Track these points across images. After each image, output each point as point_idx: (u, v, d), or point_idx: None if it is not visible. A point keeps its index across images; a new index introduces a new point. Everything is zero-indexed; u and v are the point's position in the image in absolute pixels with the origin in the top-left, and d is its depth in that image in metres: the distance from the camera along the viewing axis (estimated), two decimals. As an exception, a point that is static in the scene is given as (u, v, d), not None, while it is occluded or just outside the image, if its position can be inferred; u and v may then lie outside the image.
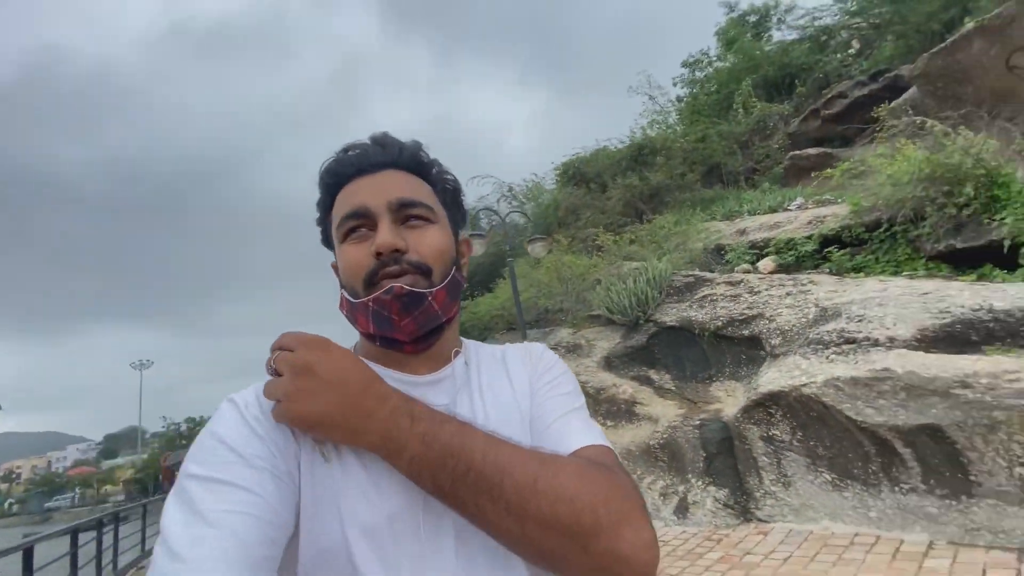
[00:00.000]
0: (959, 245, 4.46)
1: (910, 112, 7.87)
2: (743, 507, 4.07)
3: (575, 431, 0.59)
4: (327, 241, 0.65)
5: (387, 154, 0.61)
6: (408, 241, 0.57)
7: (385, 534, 0.50)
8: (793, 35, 12.58)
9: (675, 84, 13.74)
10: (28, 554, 4.51)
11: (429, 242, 0.58)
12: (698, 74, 13.67)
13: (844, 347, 3.75)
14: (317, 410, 0.47)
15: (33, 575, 4.50)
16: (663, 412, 5.51)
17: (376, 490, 0.51)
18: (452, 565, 0.52)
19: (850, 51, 11.34)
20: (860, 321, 3.85)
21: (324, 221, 0.64)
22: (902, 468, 3.22)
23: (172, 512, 0.45)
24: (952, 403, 2.86)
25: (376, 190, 0.58)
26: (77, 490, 59.75)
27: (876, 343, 3.55)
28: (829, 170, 6.61)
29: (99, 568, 6.61)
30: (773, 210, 8.48)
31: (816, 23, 11.60)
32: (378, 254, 0.55)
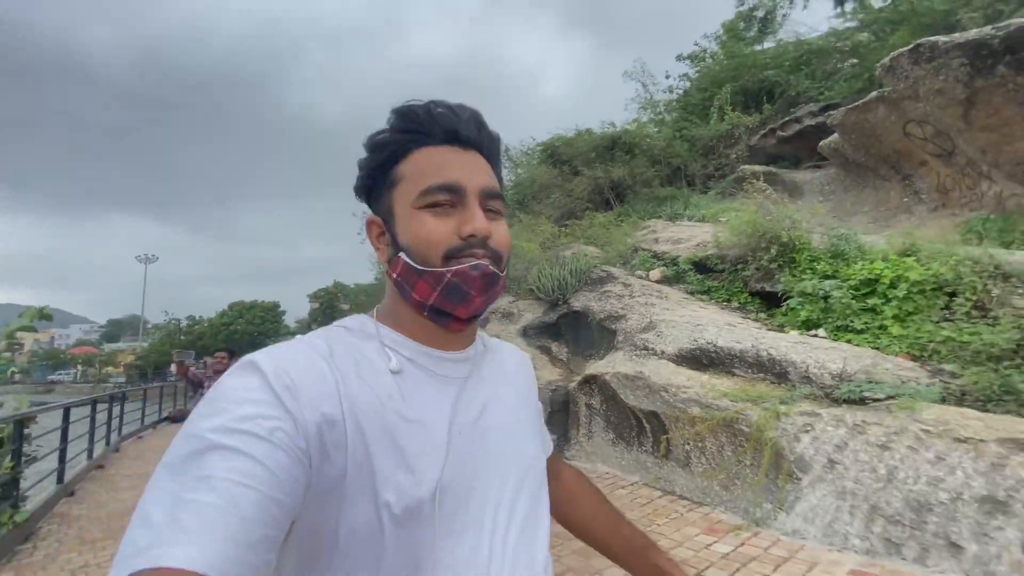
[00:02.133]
0: (767, 288, 6.06)
1: (834, 148, 9.20)
2: (560, 449, 5.95)
3: (548, 438, 0.82)
4: (369, 190, 0.64)
5: (478, 133, 0.62)
6: (491, 229, 0.60)
7: (420, 514, 0.52)
8: (787, 45, 13.34)
9: (667, 77, 14.64)
10: (66, 414, 6.43)
11: (505, 235, 0.62)
12: (691, 72, 14.51)
13: (640, 352, 5.47)
14: None
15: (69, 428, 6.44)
16: (546, 376, 7.32)
17: (409, 470, 0.53)
18: (486, 546, 0.57)
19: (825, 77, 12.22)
20: (659, 336, 5.55)
21: (382, 171, 0.61)
22: (644, 436, 5.02)
23: (176, 464, 0.43)
24: (662, 399, 4.61)
25: (470, 170, 0.60)
26: (79, 367, 64.04)
27: (654, 353, 5.27)
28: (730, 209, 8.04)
29: (108, 431, 8.79)
30: (705, 220, 9.93)
31: (802, 43, 12.39)
32: (471, 235, 0.57)
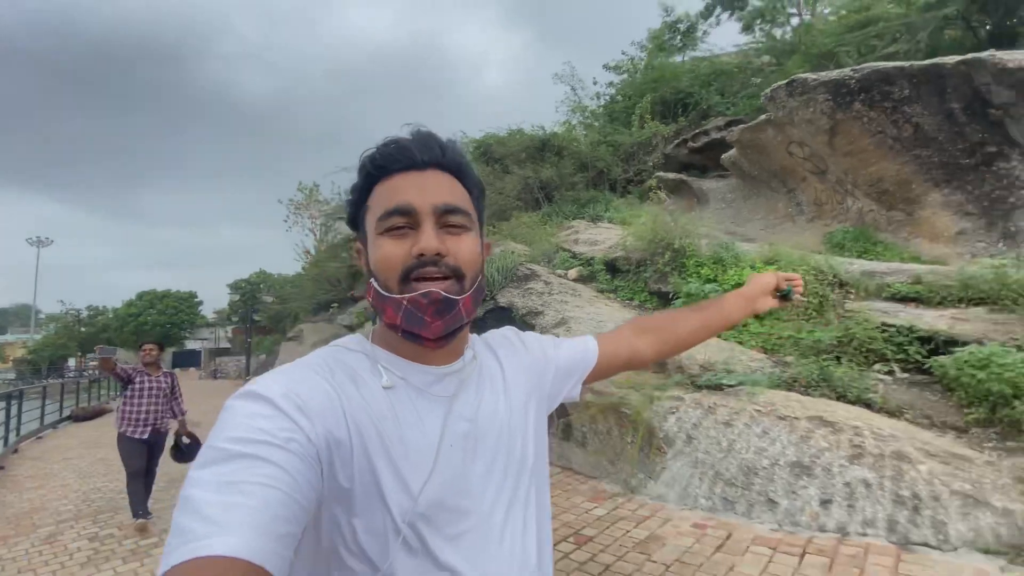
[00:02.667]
0: (662, 288, 6.84)
1: (733, 161, 10.19)
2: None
3: (588, 337, 0.92)
4: (354, 224, 0.69)
5: (432, 153, 0.64)
6: (447, 245, 0.62)
7: (419, 524, 0.58)
8: (701, 61, 14.48)
9: (595, 83, 15.44)
10: None
11: (466, 249, 0.63)
12: (616, 79, 15.38)
13: (550, 346, 6.08)
14: None
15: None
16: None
17: (406, 485, 0.58)
18: (482, 552, 0.61)
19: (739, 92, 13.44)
20: (568, 331, 6.16)
21: (357, 206, 0.67)
22: (552, 419, 5.62)
23: (202, 479, 0.46)
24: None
25: (422, 190, 0.62)
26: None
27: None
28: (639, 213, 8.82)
29: (7, 431, 8.33)
30: (624, 223, 10.70)
31: (714, 60, 13.50)
32: (420, 255, 0.60)
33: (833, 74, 6.71)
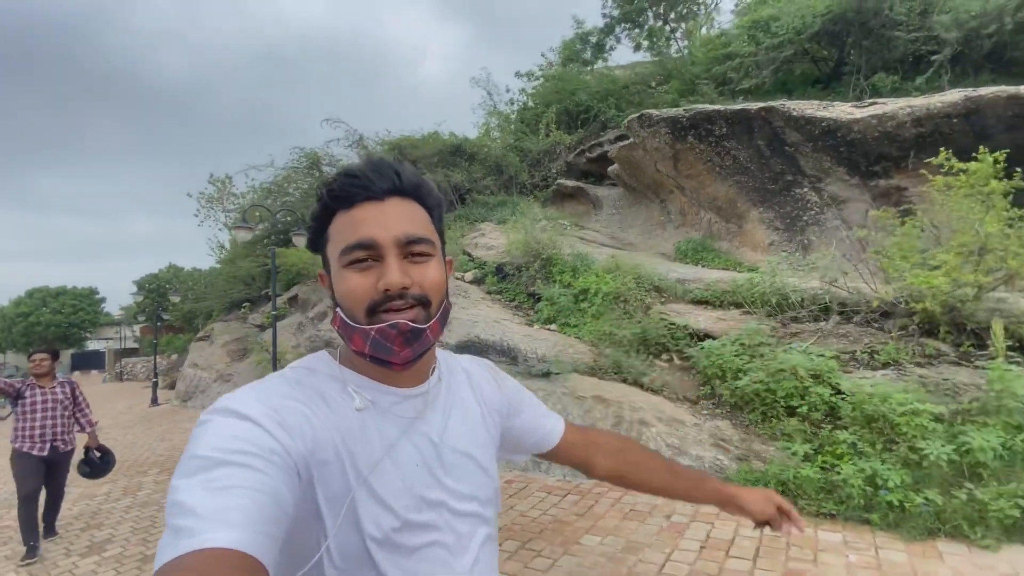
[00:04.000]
0: (536, 292, 8.04)
1: (616, 173, 11.54)
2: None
3: (557, 420, 0.94)
4: (315, 247, 0.72)
5: (389, 182, 0.66)
6: (412, 276, 0.64)
7: (395, 542, 0.61)
8: (602, 76, 15.90)
9: (508, 91, 16.55)
10: None
11: (431, 277, 0.66)
12: (528, 87, 16.56)
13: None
14: None
15: None
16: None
17: (382, 505, 0.62)
18: (458, 564, 0.67)
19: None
20: (449, 330, 7.23)
21: (318, 234, 0.70)
22: None
23: (190, 486, 0.49)
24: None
25: (383, 222, 0.64)
26: None
27: (443, 344, 6.95)
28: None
29: None
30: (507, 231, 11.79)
31: (609, 75, 14.94)
32: (386, 290, 0.62)
33: (671, 112, 8.17)
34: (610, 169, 11.88)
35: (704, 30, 13.95)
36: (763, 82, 11.04)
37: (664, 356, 5.50)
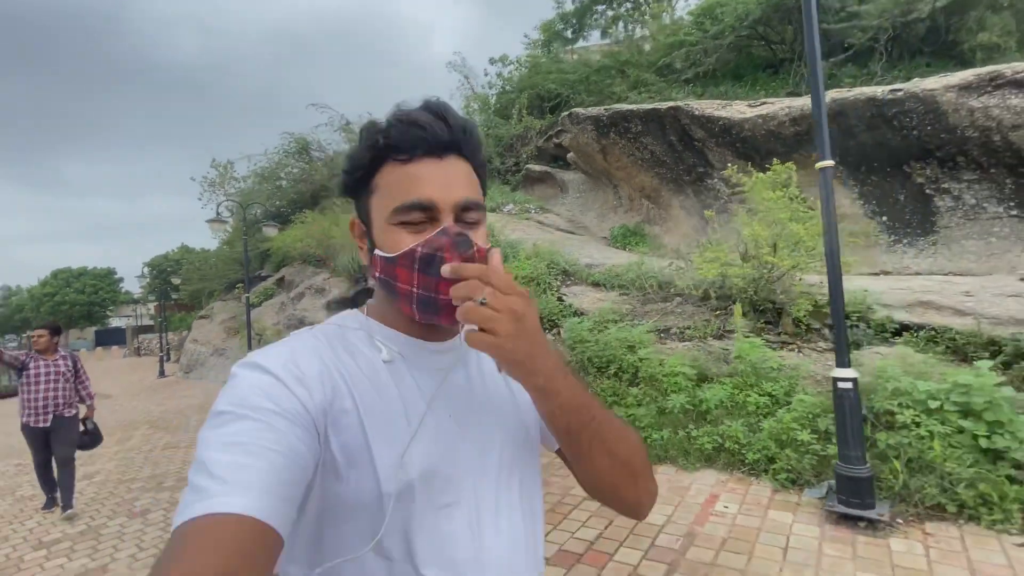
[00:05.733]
0: None
1: (574, 159, 12.45)
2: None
3: None
4: (353, 193, 0.68)
5: (453, 137, 0.63)
6: None
7: (409, 492, 0.60)
8: (576, 62, 16.58)
9: (485, 75, 17.36)
10: None
11: (480, 242, 0.63)
12: (504, 72, 17.34)
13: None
14: (522, 351, 0.54)
15: None
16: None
17: (398, 454, 0.60)
18: (470, 522, 0.64)
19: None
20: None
21: (360, 180, 0.66)
22: None
23: (210, 440, 0.51)
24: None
25: (445, 184, 0.62)
26: None
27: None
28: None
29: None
30: (491, 210, 12.91)
31: (580, 62, 15.65)
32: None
33: (593, 111, 9.10)
34: (569, 155, 12.79)
35: (666, 17, 14.54)
36: (710, 69, 11.76)
37: (554, 331, 6.63)
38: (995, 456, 2.90)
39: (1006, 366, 3.81)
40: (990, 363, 3.20)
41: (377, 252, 0.64)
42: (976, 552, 2.53)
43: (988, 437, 2.90)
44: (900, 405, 3.23)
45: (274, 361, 0.59)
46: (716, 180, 8.65)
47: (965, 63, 9.54)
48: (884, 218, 7.17)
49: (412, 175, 0.61)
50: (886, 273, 6.98)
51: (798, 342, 4.90)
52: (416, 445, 0.61)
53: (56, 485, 4.26)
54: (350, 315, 0.72)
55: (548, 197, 13.97)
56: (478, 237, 0.64)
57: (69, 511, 4.12)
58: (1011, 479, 2.82)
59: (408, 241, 0.61)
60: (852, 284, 5.29)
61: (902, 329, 4.50)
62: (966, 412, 3.02)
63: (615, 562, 2.73)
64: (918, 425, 3.11)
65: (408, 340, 0.68)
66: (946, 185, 6.51)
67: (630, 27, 15.22)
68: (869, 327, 4.56)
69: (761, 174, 5.23)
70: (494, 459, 0.68)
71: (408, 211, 0.61)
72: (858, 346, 4.49)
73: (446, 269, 0.56)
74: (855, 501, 2.85)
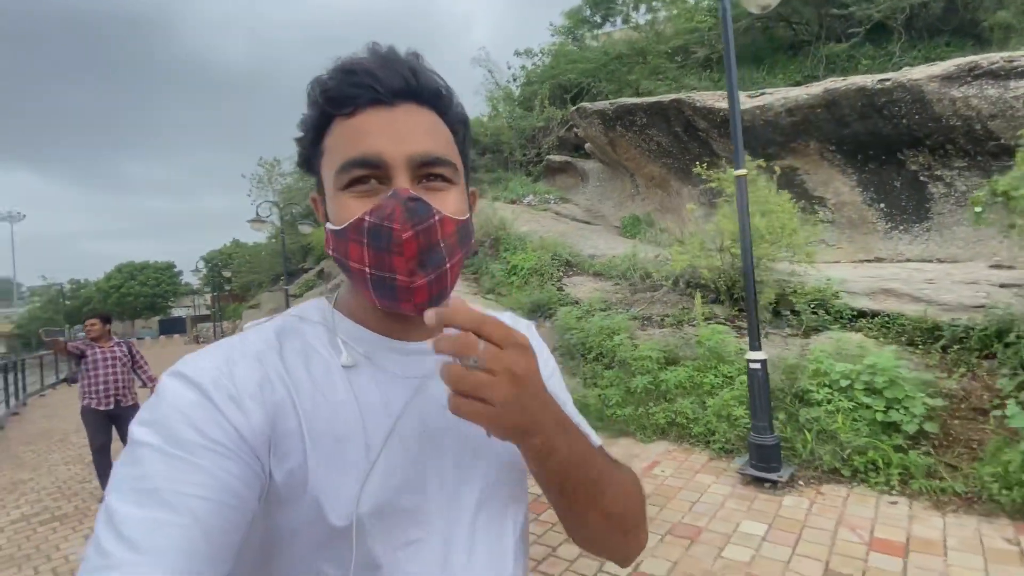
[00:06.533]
0: (486, 266, 9.80)
1: (592, 150, 12.84)
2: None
3: (589, 433, 0.64)
4: (307, 165, 0.59)
5: (402, 81, 0.53)
6: None
7: (368, 524, 0.52)
8: (597, 50, 16.78)
9: (509, 68, 17.82)
10: None
11: (451, 208, 0.53)
12: (528, 64, 17.74)
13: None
14: (525, 421, 0.46)
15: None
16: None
17: (356, 481, 0.52)
18: (443, 557, 0.55)
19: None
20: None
21: (310, 146, 0.57)
22: None
23: (123, 483, 0.44)
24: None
25: (394, 135, 0.52)
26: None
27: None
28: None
29: (20, 388, 11.56)
30: (512, 201, 13.49)
31: (602, 49, 15.87)
32: None
33: (599, 105, 9.49)
34: (587, 146, 13.17)
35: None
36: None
37: (553, 318, 7.20)
38: (891, 428, 3.31)
39: (944, 350, 4.14)
40: (894, 348, 3.58)
41: (328, 226, 0.56)
42: (852, 508, 2.99)
43: (885, 411, 3.31)
44: (818, 384, 3.66)
45: (205, 373, 0.50)
46: (723, 169, 8.91)
47: (984, 43, 9.36)
48: (883, 205, 7.31)
49: (356, 127, 0.53)
50: (879, 260, 7.15)
51: (767, 328, 5.29)
52: (375, 474, 0.52)
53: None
54: (313, 305, 0.62)
55: (569, 187, 14.39)
56: (446, 203, 0.53)
57: None
58: (900, 448, 3.23)
59: (356, 209, 0.52)
60: (837, 272, 5.62)
61: (859, 315, 4.84)
62: (872, 390, 3.43)
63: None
64: (829, 402, 3.54)
65: (376, 339, 0.58)
66: (939, 172, 6.63)
67: (654, 11, 15.28)
68: (828, 314, 4.92)
69: (731, 170, 5.60)
70: (474, 487, 0.59)
71: (350, 168, 0.52)
72: (817, 331, 4.87)
73: (429, 316, 0.46)
74: (763, 465, 3.33)
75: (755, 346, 3.43)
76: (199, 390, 0.48)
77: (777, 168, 6.12)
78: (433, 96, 0.55)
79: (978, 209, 3.89)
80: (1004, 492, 2.78)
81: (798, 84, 10.80)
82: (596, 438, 0.66)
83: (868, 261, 7.15)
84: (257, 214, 11.68)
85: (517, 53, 17.99)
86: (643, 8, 15.78)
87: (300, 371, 0.54)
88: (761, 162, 5.62)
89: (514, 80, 18.53)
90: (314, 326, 0.58)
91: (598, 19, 18.72)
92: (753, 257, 3.74)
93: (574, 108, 10.02)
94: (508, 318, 0.72)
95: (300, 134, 0.57)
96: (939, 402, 3.34)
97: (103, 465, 4.27)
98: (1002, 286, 4.76)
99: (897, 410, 3.29)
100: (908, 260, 6.73)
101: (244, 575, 0.52)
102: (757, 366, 3.37)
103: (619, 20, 17.82)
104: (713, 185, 5.81)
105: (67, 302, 46.56)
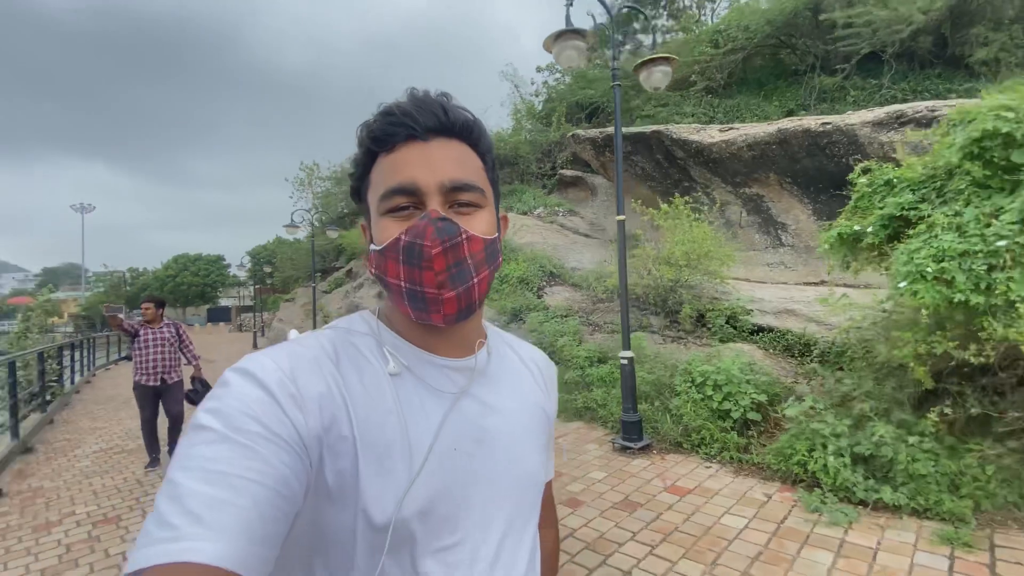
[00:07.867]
0: None
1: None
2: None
3: (550, 468, 0.78)
4: (357, 196, 0.68)
5: (433, 118, 0.61)
6: None
7: (404, 531, 0.56)
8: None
9: (532, 83, 19.07)
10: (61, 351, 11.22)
11: (480, 230, 0.61)
12: (550, 79, 18.95)
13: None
14: None
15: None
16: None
17: (396, 488, 0.56)
18: (486, 569, 0.62)
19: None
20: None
21: (359, 179, 0.66)
22: None
23: (189, 461, 0.47)
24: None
25: (428, 164, 0.60)
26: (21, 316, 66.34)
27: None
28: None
29: (73, 371, 13.64)
30: (524, 213, 14.77)
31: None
32: None
33: (591, 133, 10.66)
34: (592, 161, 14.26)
35: (705, 17, 15.44)
36: (722, 83, 12.74)
37: (522, 322, 8.42)
38: (725, 415, 4.40)
39: (823, 362, 5.16)
40: (735, 357, 4.67)
41: (371, 247, 0.63)
42: (676, 468, 4.12)
43: (720, 402, 4.40)
44: (683, 381, 4.77)
45: (271, 374, 0.54)
46: (700, 193, 9.89)
47: (973, 76, 10.01)
48: (833, 232, 8.19)
49: (395, 161, 0.61)
50: (823, 283, 8.02)
51: (690, 337, 6.38)
52: (419, 480, 0.57)
53: (158, 447, 4.94)
54: (360, 317, 0.68)
55: (579, 200, 15.51)
56: (473, 224, 0.61)
57: (155, 467, 4.86)
58: (726, 430, 4.32)
59: (394, 230, 0.59)
60: (773, 293, 6.65)
61: (758, 330, 5.87)
62: (716, 386, 4.52)
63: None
64: (688, 393, 4.65)
65: (414, 352, 0.64)
66: (875, 206, 7.48)
67: (666, 43, 16.25)
68: (733, 328, 5.98)
69: (665, 207, 6.71)
70: (503, 505, 0.65)
71: (391, 197, 0.60)
72: (723, 341, 5.93)
73: None
74: (628, 437, 4.49)
75: (626, 347, 4.59)
76: (264, 388, 0.53)
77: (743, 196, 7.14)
78: (463, 129, 0.63)
79: (826, 246, 4.87)
80: (779, 463, 3.85)
81: (790, 113, 11.68)
82: (551, 470, 0.82)
83: (815, 284, 8.03)
84: (292, 220, 13.35)
85: (539, 69, 19.20)
86: (650, 38, 16.71)
87: (354, 379, 0.59)
88: (683, 200, 6.70)
89: (536, 96, 19.75)
90: (363, 337, 0.65)
91: (621, 37, 19.74)
92: (627, 282, 4.87)
93: (570, 135, 11.20)
94: (540, 357, 0.83)
95: (352, 171, 0.68)
96: (763, 397, 4.40)
97: (150, 434, 4.86)
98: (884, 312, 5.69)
99: (729, 401, 4.37)
100: (847, 285, 7.60)
101: (291, 570, 0.57)
102: (626, 362, 4.53)
103: (631, 46, 18.82)
104: (645, 219, 6.91)
105: (128, 288, 50.70)
